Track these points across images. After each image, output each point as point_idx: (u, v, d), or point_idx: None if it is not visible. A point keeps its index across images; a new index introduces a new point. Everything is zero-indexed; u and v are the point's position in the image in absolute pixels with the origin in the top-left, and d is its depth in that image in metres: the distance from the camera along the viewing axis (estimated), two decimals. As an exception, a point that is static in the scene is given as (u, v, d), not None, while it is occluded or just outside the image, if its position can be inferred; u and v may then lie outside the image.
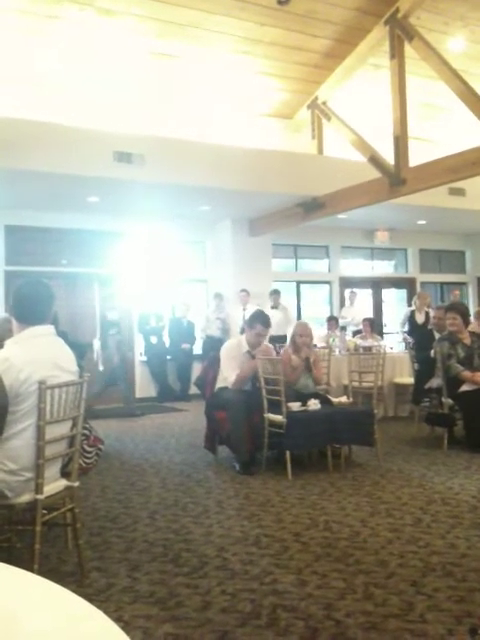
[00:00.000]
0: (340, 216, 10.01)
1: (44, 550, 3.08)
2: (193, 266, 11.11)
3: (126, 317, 9.95)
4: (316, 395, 5.46)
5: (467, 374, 5.75)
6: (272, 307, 9.88)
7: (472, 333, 6.28)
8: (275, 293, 10.22)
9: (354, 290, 11.66)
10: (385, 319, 12.98)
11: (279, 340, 8.59)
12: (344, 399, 5.68)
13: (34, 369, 2.69)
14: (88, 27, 7.63)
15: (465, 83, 7.02)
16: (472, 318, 7.65)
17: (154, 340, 10.11)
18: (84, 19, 7.51)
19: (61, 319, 7.24)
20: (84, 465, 4.54)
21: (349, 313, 11.03)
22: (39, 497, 2.70)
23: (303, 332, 5.67)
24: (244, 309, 9.97)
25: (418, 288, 13.23)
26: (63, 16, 7.44)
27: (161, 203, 9.30)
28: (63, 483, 2.97)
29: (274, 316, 9.36)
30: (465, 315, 6.16)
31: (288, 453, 4.87)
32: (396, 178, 7.61)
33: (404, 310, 10.27)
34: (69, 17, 7.46)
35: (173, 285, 10.88)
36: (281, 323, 9.57)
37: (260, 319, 5.49)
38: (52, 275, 8.92)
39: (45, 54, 7.89)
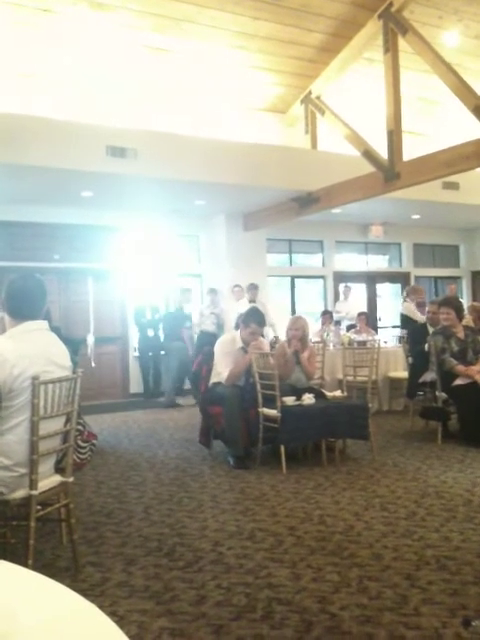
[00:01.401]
0: (334, 211, 10.01)
1: (38, 545, 3.08)
2: (187, 261, 11.09)
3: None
4: (310, 389, 5.47)
5: (461, 368, 5.77)
6: (250, 301, 9.85)
7: (466, 327, 6.30)
8: (253, 287, 10.17)
9: (348, 285, 11.66)
10: (379, 313, 13.01)
11: None
12: (338, 393, 5.68)
13: (28, 364, 2.68)
14: (82, 21, 7.58)
15: (459, 77, 7.01)
16: (466, 312, 7.66)
17: (151, 333, 10.10)
18: (77, 13, 7.46)
19: (54, 315, 7.26)
20: (78, 460, 4.54)
21: (343, 308, 11.03)
22: (33, 493, 2.69)
23: (292, 326, 5.71)
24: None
25: (412, 282, 13.25)
26: (56, 10, 7.39)
27: (155, 198, 9.27)
28: (57, 479, 2.97)
29: None
30: (459, 309, 6.17)
31: (282, 447, 4.88)
32: (390, 172, 7.61)
33: (410, 307, 9.59)
34: (62, 11, 7.41)
35: (168, 279, 10.85)
36: None
37: (255, 317, 5.50)
38: (45, 270, 8.88)
39: (38, 47, 7.84)
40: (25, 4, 7.26)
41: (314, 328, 9.35)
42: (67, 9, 7.40)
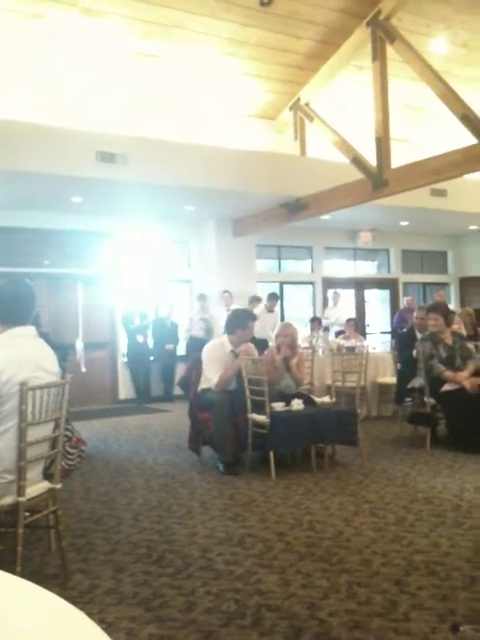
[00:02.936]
0: (323, 217, 10.04)
1: (26, 552, 3.06)
2: (177, 266, 11.08)
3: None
4: (299, 395, 5.46)
5: (449, 374, 5.79)
6: (268, 311, 9.90)
7: (454, 333, 6.33)
8: (273, 297, 10.20)
9: (337, 291, 11.70)
10: (368, 319, 13.06)
11: (261, 344, 8.54)
12: (327, 399, 5.69)
13: (16, 370, 2.66)
14: (73, 27, 7.58)
15: (446, 85, 7.07)
16: (458, 318, 7.71)
17: (140, 339, 10.08)
18: (68, 19, 7.46)
19: (43, 320, 7.21)
20: (67, 467, 4.51)
21: (332, 314, 11.05)
22: (21, 499, 2.67)
23: (281, 332, 5.72)
24: (227, 310, 9.96)
25: (400, 289, 13.32)
26: (48, 16, 7.38)
27: (145, 203, 9.26)
28: (46, 485, 2.95)
29: (269, 320, 9.41)
30: (447, 315, 6.20)
31: (272, 453, 4.88)
32: (378, 179, 7.65)
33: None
34: (53, 17, 7.40)
35: (157, 285, 10.84)
36: (268, 327, 9.49)
37: (249, 316, 5.54)
38: (34, 276, 8.83)
39: (28, 53, 7.82)
40: (17, 10, 7.25)
41: (303, 334, 9.37)
42: (58, 15, 7.39)
